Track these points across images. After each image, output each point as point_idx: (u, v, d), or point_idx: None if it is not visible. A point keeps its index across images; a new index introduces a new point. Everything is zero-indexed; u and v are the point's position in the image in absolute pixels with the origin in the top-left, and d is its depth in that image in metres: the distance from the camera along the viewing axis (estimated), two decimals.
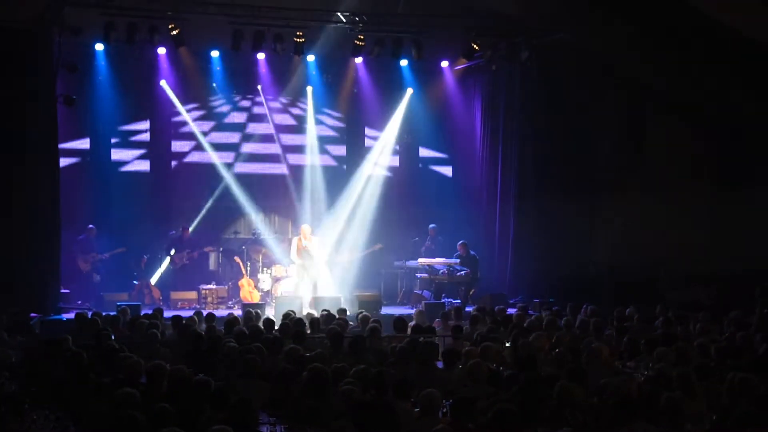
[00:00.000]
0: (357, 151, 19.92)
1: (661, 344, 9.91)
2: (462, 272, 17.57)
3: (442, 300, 17.11)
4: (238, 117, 19.54)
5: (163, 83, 18.70)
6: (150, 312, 13.66)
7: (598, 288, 16.59)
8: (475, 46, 17.72)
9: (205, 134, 19.24)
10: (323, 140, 19.87)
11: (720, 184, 17.56)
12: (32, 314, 14.67)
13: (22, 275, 15.54)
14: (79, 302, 16.96)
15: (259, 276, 18.34)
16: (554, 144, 18.08)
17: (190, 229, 18.87)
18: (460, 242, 18.03)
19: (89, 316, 12.82)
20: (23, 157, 15.69)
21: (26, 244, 15.65)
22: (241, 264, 18.19)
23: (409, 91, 19.88)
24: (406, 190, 20.33)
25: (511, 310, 14.66)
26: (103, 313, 13.26)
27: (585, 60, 17.55)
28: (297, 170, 19.79)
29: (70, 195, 17.11)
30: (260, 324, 12.21)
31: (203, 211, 19.26)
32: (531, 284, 17.95)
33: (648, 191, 17.50)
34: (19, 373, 9.43)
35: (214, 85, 19.10)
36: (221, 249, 19.22)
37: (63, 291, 16.55)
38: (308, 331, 11.89)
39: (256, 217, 19.65)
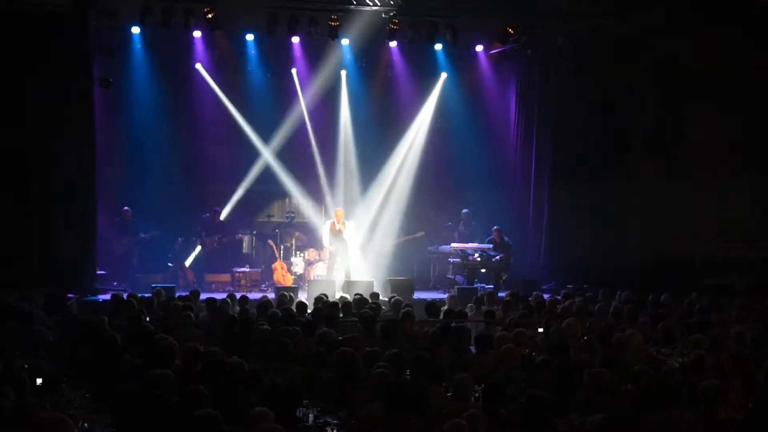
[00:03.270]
0: (391, 136, 19.86)
1: (697, 331, 9.83)
2: (496, 257, 17.55)
3: (475, 285, 17.10)
4: (272, 101, 19.51)
5: (198, 66, 18.80)
6: (184, 294, 13.78)
7: (633, 274, 16.45)
8: (510, 30, 17.60)
9: (239, 117, 19.27)
10: (357, 124, 19.81)
11: (757, 168, 17.34)
12: (69, 295, 14.84)
13: (59, 256, 15.72)
14: (115, 283, 17.13)
15: (293, 259, 18.43)
16: (589, 129, 17.91)
17: (224, 213, 19.02)
18: (495, 228, 18.01)
19: (125, 298, 12.94)
20: (61, 140, 15.85)
21: (63, 226, 15.83)
22: (274, 247, 18.29)
23: (444, 75, 19.80)
24: (440, 174, 20.24)
25: (544, 296, 14.59)
26: (139, 295, 13.36)
27: (621, 44, 17.37)
28: (331, 154, 19.77)
29: (106, 177, 17.27)
30: (293, 307, 12.25)
31: (237, 195, 19.36)
32: (564, 270, 17.84)
33: (684, 177, 17.30)
34: (56, 353, 9.57)
35: (249, 68, 19.13)
36: (254, 232, 19.32)
37: (99, 272, 16.73)
38: (341, 315, 11.93)
39: (289, 201, 19.73)
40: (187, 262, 18.29)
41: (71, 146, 15.97)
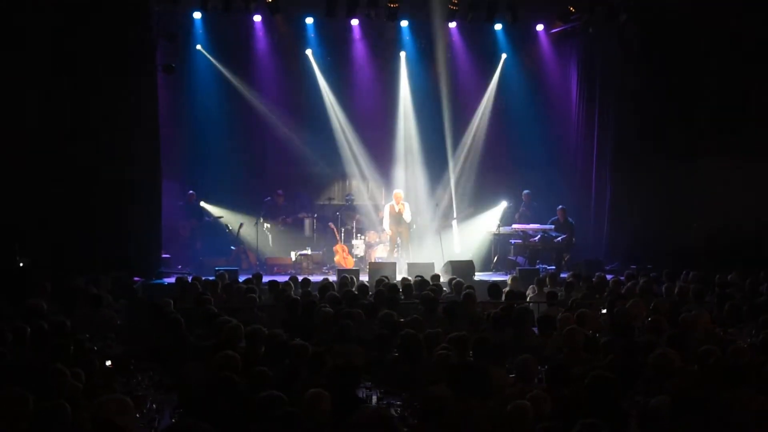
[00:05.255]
0: (451, 117, 19.74)
1: (767, 311, 9.63)
2: (559, 238, 17.43)
3: (537, 266, 16.98)
4: (332, 83, 19.54)
5: (259, 50, 18.91)
6: (247, 277, 13.92)
7: (699, 253, 16.17)
8: (571, 8, 17.37)
9: (299, 100, 19.35)
10: (416, 106, 19.75)
11: None
12: (135, 278, 15.09)
13: (125, 240, 15.96)
14: (179, 267, 17.36)
15: (353, 242, 18.48)
16: (653, 107, 17.63)
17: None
18: (560, 207, 17.93)
19: (189, 281, 13.12)
20: (126, 126, 16.04)
21: (129, 210, 16.04)
22: (335, 230, 18.36)
23: (504, 56, 19.62)
24: (501, 155, 20.08)
25: (607, 276, 14.43)
26: (203, 278, 13.53)
27: (685, 20, 17.01)
28: (390, 136, 19.75)
29: (171, 161, 17.50)
30: (354, 290, 12.30)
31: (298, 177, 19.48)
32: (628, 250, 17.64)
33: (751, 153, 16.90)
34: (124, 336, 9.76)
35: (309, 51, 19.18)
36: (315, 215, 19.40)
37: (164, 256, 16.97)
38: (402, 297, 11.95)
39: (349, 183, 19.81)
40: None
41: (136, 131, 16.11)
